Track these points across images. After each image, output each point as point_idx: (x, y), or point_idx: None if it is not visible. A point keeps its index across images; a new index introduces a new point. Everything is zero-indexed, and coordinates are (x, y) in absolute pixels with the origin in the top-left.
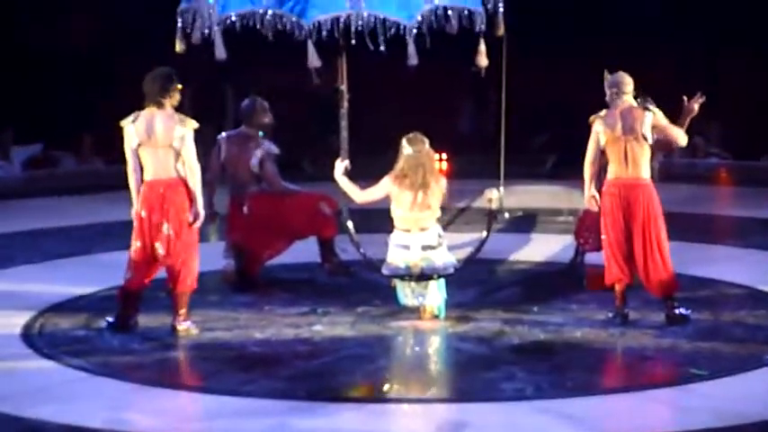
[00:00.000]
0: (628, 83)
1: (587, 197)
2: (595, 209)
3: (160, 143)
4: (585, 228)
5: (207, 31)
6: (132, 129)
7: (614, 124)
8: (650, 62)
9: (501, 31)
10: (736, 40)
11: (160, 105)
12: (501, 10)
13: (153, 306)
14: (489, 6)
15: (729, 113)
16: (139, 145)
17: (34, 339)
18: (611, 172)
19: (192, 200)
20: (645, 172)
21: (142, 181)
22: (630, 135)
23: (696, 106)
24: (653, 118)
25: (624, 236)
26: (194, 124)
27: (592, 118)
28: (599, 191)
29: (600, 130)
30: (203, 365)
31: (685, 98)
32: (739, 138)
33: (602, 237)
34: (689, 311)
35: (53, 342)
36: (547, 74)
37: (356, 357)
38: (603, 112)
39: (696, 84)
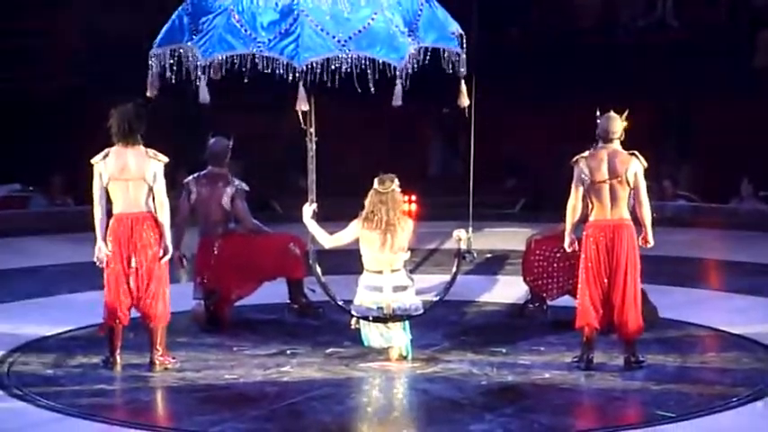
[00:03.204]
0: (616, 129)
1: (568, 242)
2: (570, 250)
3: (132, 176)
4: (541, 274)
5: (184, 73)
6: (102, 165)
7: (598, 166)
8: (625, 106)
9: (463, 71)
10: (708, 84)
11: (129, 143)
12: (464, 51)
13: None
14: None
15: (699, 157)
16: (108, 181)
17: (3, 379)
18: (593, 214)
19: (161, 234)
20: (627, 213)
21: (109, 216)
22: (614, 178)
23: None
24: (639, 168)
25: (603, 281)
26: (165, 159)
27: (575, 159)
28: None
29: (583, 171)
30: (172, 406)
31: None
32: (709, 180)
33: (580, 280)
34: (645, 359)
35: (22, 382)
36: (518, 116)
37: (325, 398)
38: (587, 153)
39: (669, 127)
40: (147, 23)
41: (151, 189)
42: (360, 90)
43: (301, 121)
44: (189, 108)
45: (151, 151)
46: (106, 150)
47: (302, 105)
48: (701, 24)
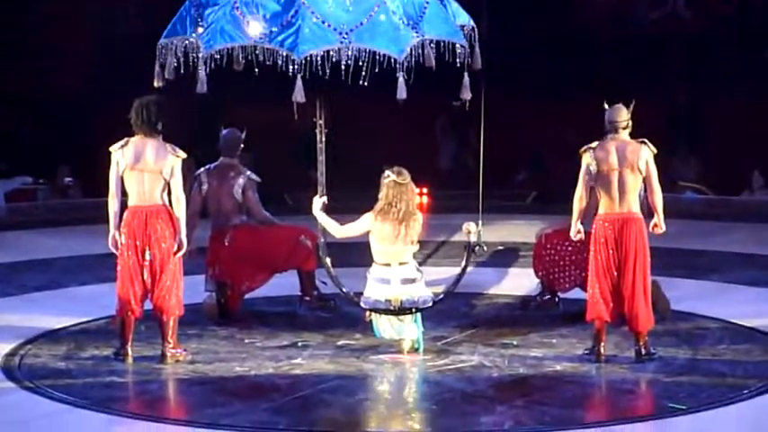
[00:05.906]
0: (623, 118)
1: (573, 232)
2: (577, 238)
3: (148, 168)
4: (553, 268)
5: (189, 65)
6: (120, 154)
7: (606, 156)
8: (635, 98)
9: (478, 65)
10: (717, 77)
11: (149, 134)
12: (476, 45)
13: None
14: (467, 41)
15: (711, 148)
16: (125, 170)
17: (14, 371)
18: (602, 207)
19: (176, 228)
20: (636, 206)
21: (123, 208)
22: (625, 166)
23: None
24: (650, 155)
25: (613, 274)
26: (183, 154)
27: (582, 150)
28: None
29: (590, 162)
30: (183, 398)
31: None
32: (720, 172)
33: (590, 272)
34: (656, 352)
35: (33, 374)
36: (529, 109)
37: (336, 390)
38: (595, 144)
39: (680, 119)
40: (157, 16)
41: (167, 183)
42: (365, 83)
43: (295, 113)
44: (201, 99)
45: (170, 146)
46: (125, 139)
47: (298, 97)
48: (714, 16)
